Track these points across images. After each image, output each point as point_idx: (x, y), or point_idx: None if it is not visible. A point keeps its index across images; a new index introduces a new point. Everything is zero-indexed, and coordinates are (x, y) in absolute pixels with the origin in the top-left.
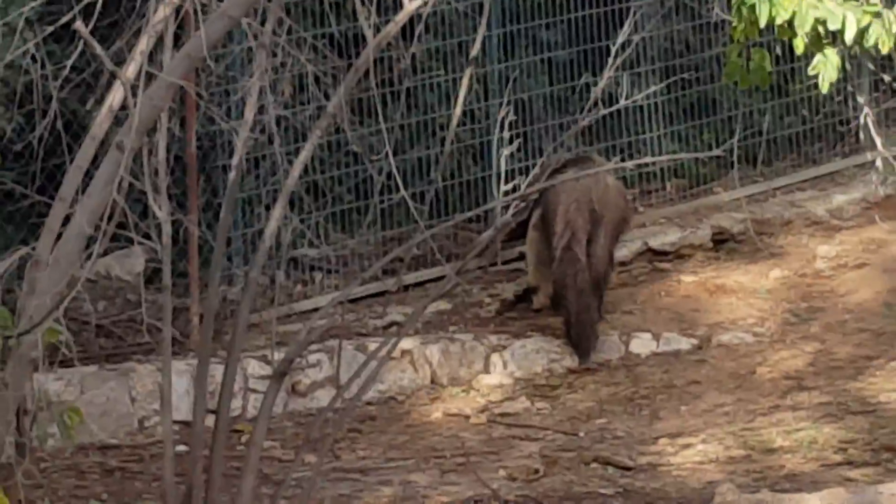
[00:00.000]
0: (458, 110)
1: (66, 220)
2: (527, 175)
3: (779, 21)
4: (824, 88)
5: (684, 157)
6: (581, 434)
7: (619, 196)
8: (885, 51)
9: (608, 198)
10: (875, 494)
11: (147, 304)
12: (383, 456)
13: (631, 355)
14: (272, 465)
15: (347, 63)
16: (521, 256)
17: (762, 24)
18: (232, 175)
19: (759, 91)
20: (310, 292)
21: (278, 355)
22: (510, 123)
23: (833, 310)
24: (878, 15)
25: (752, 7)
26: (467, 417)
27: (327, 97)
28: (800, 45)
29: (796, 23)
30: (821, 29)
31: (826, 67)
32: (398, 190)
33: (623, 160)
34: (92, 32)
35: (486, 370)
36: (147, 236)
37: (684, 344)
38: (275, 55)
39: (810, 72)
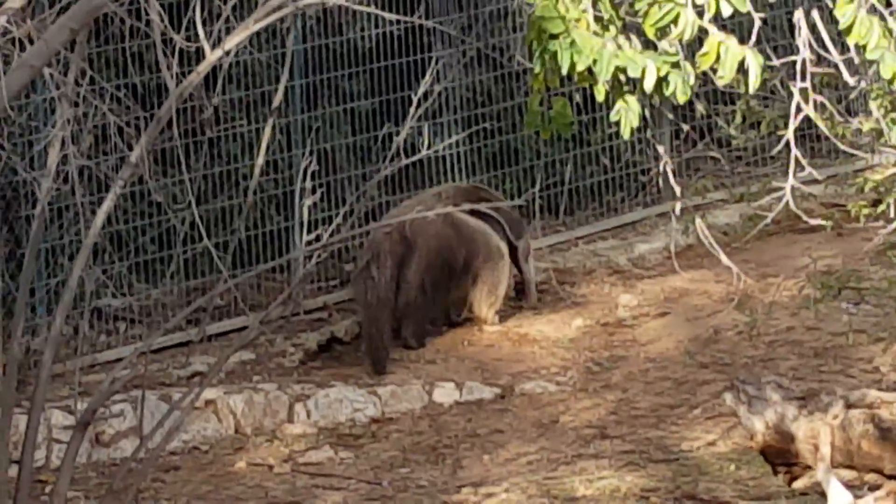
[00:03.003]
0: (260, 160)
1: None
2: (330, 224)
3: (580, 68)
4: (626, 134)
5: (487, 206)
6: (384, 483)
7: (447, 226)
8: (682, 101)
9: (426, 225)
10: None
11: None
12: None
13: (434, 404)
14: None
15: (150, 113)
16: (324, 306)
17: (564, 71)
18: (35, 225)
19: (561, 141)
20: (113, 342)
21: (82, 405)
22: (313, 173)
23: (635, 359)
24: (676, 65)
25: (554, 54)
26: (271, 467)
27: (130, 147)
28: (601, 93)
29: (597, 70)
30: (622, 76)
31: (627, 114)
32: (201, 240)
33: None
34: None
35: (290, 420)
36: None
37: (487, 393)
38: (77, 105)
39: (612, 118)
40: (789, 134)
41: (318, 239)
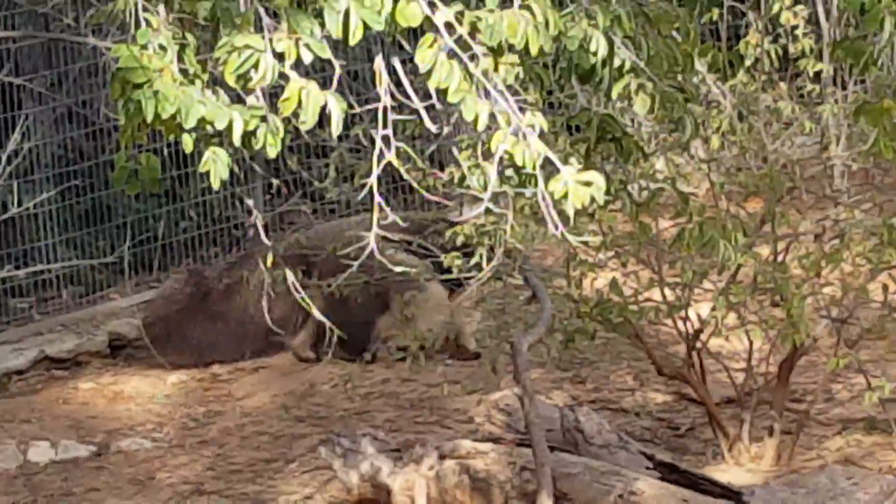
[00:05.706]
0: None
1: None
2: None
3: (164, 116)
4: (216, 185)
5: (79, 263)
6: None
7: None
8: (272, 154)
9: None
10: None
11: None
12: None
13: (29, 464)
14: None
15: None
16: None
17: (149, 119)
18: None
19: (154, 197)
20: None
21: None
22: None
23: (231, 413)
24: (264, 119)
25: (139, 105)
26: None
27: None
28: (188, 144)
29: (182, 118)
30: (209, 128)
31: (216, 165)
32: None
33: (17, 268)
34: None
35: None
36: None
37: (83, 451)
38: None
39: (201, 169)
40: (372, 181)
41: None
